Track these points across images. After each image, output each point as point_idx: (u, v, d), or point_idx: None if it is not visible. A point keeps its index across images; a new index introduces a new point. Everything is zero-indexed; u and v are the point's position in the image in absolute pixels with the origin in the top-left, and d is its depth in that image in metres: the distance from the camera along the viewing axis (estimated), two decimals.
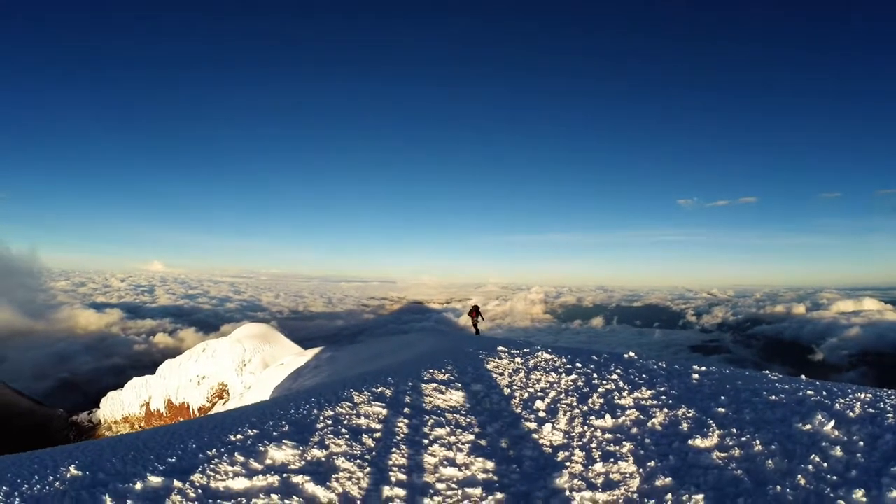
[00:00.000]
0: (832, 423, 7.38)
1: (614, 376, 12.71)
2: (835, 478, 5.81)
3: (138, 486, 6.42)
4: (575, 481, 7.09)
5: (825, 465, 6.16)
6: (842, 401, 8.60)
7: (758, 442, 7.20)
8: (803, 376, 12.68)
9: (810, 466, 6.13)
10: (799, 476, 5.93)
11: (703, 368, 13.37)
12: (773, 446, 6.97)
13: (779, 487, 5.79)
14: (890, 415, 7.63)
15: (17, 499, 6.03)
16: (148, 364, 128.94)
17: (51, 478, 6.70)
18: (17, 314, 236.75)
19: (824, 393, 9.35)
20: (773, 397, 9.38)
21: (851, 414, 7.81)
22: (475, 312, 34.54)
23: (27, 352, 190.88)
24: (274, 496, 6.40)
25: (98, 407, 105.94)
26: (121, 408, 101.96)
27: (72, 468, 6.99)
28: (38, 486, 6.38)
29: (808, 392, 9.44)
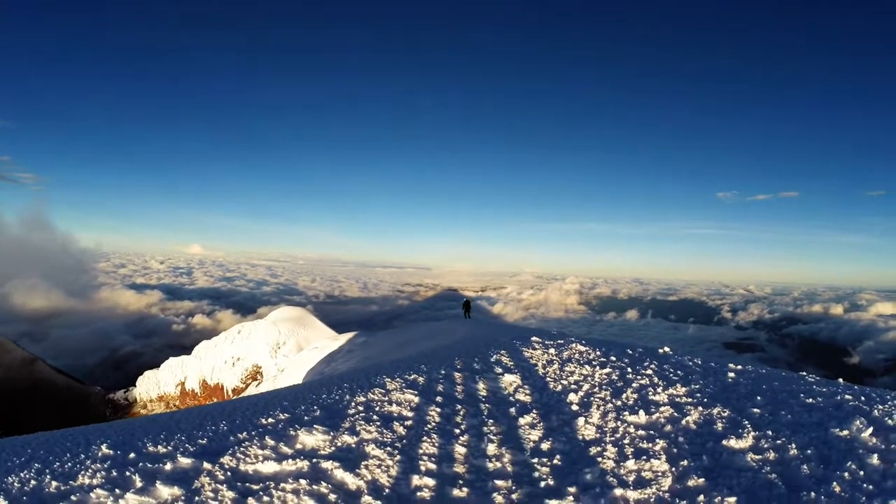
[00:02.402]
0: (870, 429, 7.24)
1: (649, 371, 12.59)
2: (871, 487, 5.69)
3: (168, 466, 6.56)
4: (606, 478, 7.04)
5: (861, 473, 6.03)
6: (880, 407, 8.42)
7: (793, 446, 7.08)
8: (841, 380, 12.45)
9: (846, 474, 6.01)
10: (834, 483, 5.82)
11: (740, 367, 13.18)
12: (809, 451, 6.85)
13: (813, 494, 5.68)
14: None
15: (49, 476, 6.17)
16: (187, 344, 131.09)
17: (82, 455, 6.87)
18: (60, 294, 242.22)
19: (862, 398, 9.17)
20: (811, 400, 9.23)
21: (890, 421, 7.65)
22: (468, 306, 46.03)
23: (69, 330, 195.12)
24: (303, 481, 6.46)
25: (135, 385, 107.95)
26: (156, 387, 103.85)
27: (104, 447, 7.16)
28: (70, 464, 6.54)
29: (846, 396, 9.27)
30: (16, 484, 5.95)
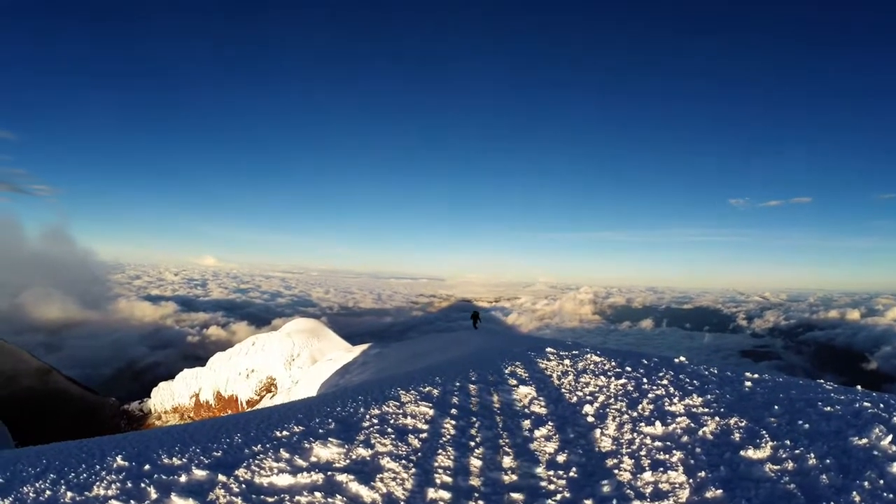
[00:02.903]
0: (889, 437, 7.16)
1: (664, 381, 12.53)
2: (891, 496, 5.63)
3: (183, 478, 6.59)
4: (623, 490, 7.00)
5: (881, 482, 5.96)
6: None
7: (812, 455, 7.01)
8: (859, 387, 12.35)
9: (866, 483, 5.95)
10: (854, 493, 5.75)
11: (756, 376, 13.10)
12: (828, 460, 6.79)
13: None
14: None
15: (64, 486, 6.22)
16: (202, 356, 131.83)
17: (97, 467, 6.92)
18: (76, 305, 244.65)
19: (881, 405, 9.07)
20: (829, 408, 9.14)
21: None
22: (476, 317, 47.30)
23: (85, 341, 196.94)
24: (318, 494, 6.47)
25: (150, 396, 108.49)
26: (171, 398, 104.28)
27: (118, 458, 7.20)
28: (85, 475, 6.59)
29: (865, 404, 9.17)
30: (31, 494, 6.00)
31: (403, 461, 7.85)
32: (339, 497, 6.45)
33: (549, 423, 10.29)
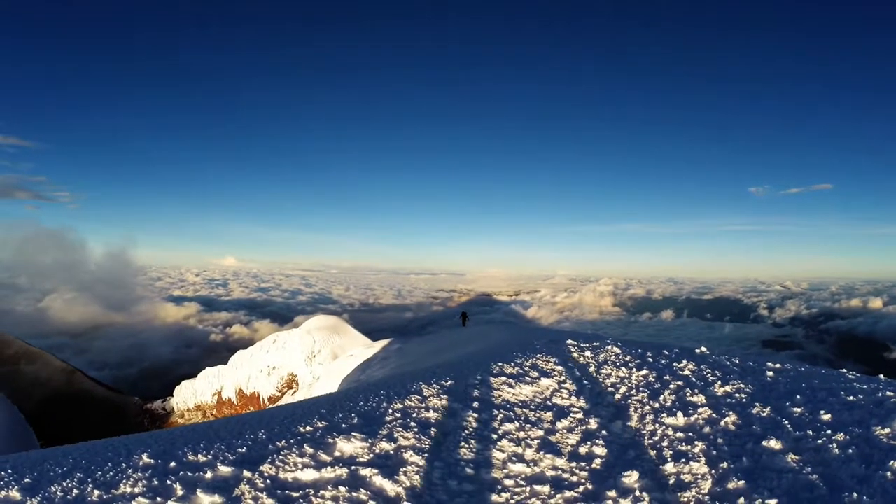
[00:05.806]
0: None
1: (686, 372, 12.51)
2: None
3: (208, 475, 6.64)
4: (645, 481, 7.03)
5: None
6: None
7: (834, 445, 7.00)
8: (882, 375, 12.27)
9: (888, 473, 5.92)
10: (876, 483, 5.75)
11: (778, 366, 13.03)
12: (850, 450, 6.77)
13: (855, 494, 5.61)
14: None
15: (91, 485, 6.28)
16: (225, 354, 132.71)
17: (124, 465, 6.96)
18: (101, 308, 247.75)
19: None
20: (851, 398, 9.10)
21: None
22: (465, 317, 50.62)
23: (111, 342, 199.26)
24: (342, 488, 6.50)
25: (173, 395, 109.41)
26: (193, 396, 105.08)
27: (144, 456, 7.27)
28: (112, 473, 6.64)
29: (888, 393, 9.13)
30: (58, 493, 6.05)
31: (426, 454, 7.90)
32: (363, 491, 6.49)
33: (571, 414, 10.31)
